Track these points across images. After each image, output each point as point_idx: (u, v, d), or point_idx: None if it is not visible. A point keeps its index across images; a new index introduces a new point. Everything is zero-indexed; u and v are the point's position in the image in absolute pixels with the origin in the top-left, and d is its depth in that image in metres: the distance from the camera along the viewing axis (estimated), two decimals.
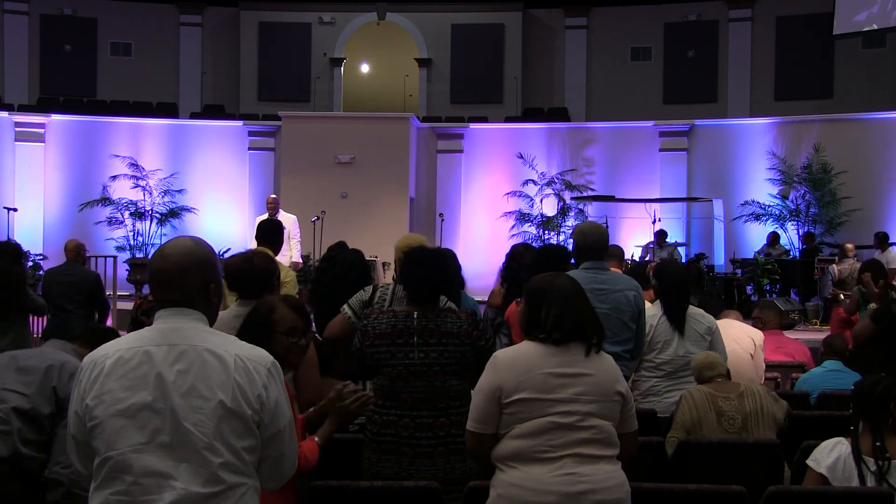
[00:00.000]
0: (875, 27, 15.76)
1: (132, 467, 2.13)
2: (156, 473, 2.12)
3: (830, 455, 3.35)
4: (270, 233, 6.06)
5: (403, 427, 3.44)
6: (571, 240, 4.81)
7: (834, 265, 11.38)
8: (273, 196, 11.78)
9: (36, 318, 8.70)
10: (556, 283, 3.07)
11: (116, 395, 2.16)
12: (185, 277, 2.27)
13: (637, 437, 3.08)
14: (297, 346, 2.99)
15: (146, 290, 15.73)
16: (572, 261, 4.79)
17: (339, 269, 4.88)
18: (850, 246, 11.66)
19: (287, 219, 11.32)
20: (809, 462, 3.40)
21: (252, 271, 3.86)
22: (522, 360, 2.93)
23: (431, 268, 3.66)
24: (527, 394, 2.87)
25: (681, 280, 5.02)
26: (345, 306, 4.23)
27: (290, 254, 11.09)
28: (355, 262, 4.91)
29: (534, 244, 16.15)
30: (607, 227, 14.57)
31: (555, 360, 2.91)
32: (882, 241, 12.99)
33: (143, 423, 2.14)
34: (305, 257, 14.68)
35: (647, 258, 14.26)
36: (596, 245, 4.41)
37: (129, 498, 2.13)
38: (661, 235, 14.98)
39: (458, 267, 5.18)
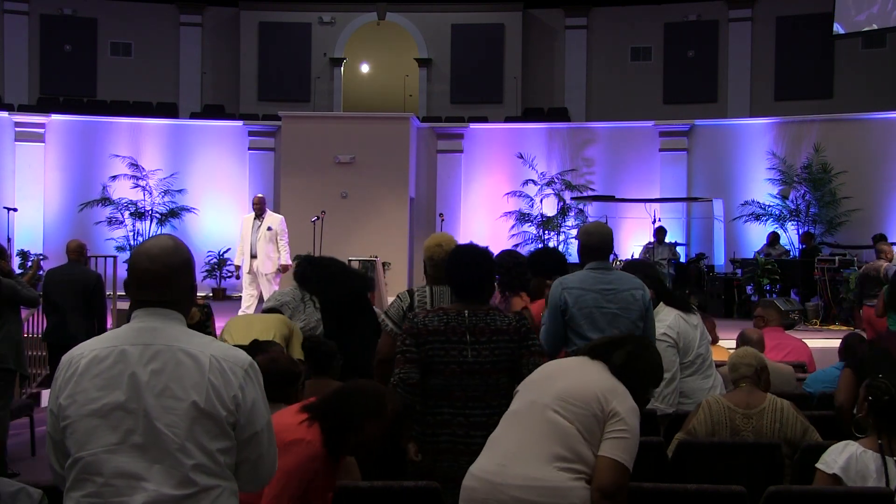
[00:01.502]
0: (875, 27, 15.76)
1: (104, 468, 2.11)
2: (127, 475, 2.10)
3: (842, 455, 3.33)
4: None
5: (458, 426, 3.44)
6: (576, 239, 4.81)
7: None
8: (260, 195, 11.37)
9: (36, 317, 8.72)
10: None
11: (90, 394, 2.14)
12: (175, 278, 2.25)
13: (616, 472, 2.74)
14: (357, 451, 3.01)
15: None
16: (577, 261, 4.79)
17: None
18: (886, 248, 11.55)
19: (274, 219, 10.95)
20: (819, 465, 3.37)
21: (274, 373, 3.59)
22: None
23: (481, 266, 3.64)
24: (523, 385, 3.09)
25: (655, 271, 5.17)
26: (385, 320, 4.17)
27: (276, 255, 10.72)
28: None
29: (533, 244, 16.17)
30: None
31: (562, 362, 3.08)
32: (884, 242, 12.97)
33: (115, 424, 2.11)
34: (306, 256, 14.66)
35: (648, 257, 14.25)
36: (600, 245, 4.42)
37: (101, 500, 2.11)
38: (660, 233, 14.99)
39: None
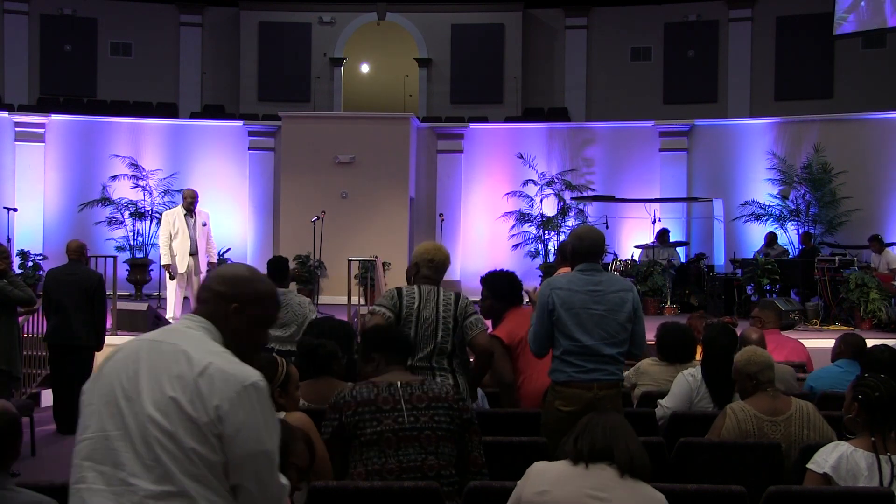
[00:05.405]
0: (875, 27, 15.75)
1: (95, 453, 2.18)
2: (113, 464, 2.15)
3: (832, 455, 3.34)
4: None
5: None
6: (568, 241, 4.85)
7: None
8: (190, 189, 10.91)
9: (37, 317, 8.71)
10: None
11: (105, 381, 2.25)
12: (216, 298, 2.35)
13: None
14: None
15: (146, 290, 15.76)
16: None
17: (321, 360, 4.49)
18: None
19: (205, 215, 10.66)
20: (810, 465, 3.38)
21: None
22: (553, 471, 2.89)
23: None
24: (552, 497, 2.84)
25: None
26: (377, 307, 4.43)
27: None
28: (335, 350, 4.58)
29: (533, 244, 16.16)
30: (607, 227, 14.63)
31: (588, 482, 2.82)
32: (879, 243, 12.96)
33: (112, 412, 2.19)
34: (306, 257, 14.69)
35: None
36: (591, 249, 4.43)
37: (85, 485, 2.17)
38: (663, 234, 14.97)
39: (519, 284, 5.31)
